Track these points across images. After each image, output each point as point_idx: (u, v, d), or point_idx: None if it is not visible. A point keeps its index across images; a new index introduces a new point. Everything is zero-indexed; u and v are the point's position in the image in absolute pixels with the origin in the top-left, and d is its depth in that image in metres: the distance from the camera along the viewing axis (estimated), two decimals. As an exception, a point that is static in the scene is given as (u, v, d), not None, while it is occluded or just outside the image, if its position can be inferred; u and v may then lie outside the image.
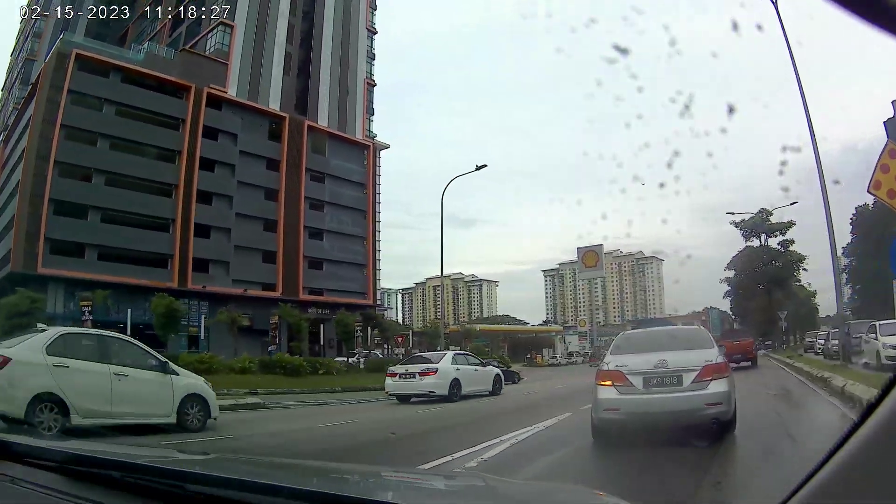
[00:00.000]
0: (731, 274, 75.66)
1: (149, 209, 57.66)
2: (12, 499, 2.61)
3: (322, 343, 62.21)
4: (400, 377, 23.57)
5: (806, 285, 73.56)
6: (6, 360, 11.32)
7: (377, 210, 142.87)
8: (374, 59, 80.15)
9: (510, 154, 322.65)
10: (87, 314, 31.49)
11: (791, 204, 61.47)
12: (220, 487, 2.30)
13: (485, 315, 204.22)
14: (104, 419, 11.96)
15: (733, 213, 64.53)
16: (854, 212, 73.46)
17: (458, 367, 24.07)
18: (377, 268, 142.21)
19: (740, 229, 68.12)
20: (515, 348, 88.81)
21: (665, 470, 7.17)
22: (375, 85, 79.78)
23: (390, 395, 23.83)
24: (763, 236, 68.55)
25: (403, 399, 23.14)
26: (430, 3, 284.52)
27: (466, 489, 3.05)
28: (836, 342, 32.73)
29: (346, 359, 44.16)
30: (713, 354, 9.78)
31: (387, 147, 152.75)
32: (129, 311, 34.31)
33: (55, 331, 12.86)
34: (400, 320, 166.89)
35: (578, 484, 4.08)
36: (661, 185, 19.41)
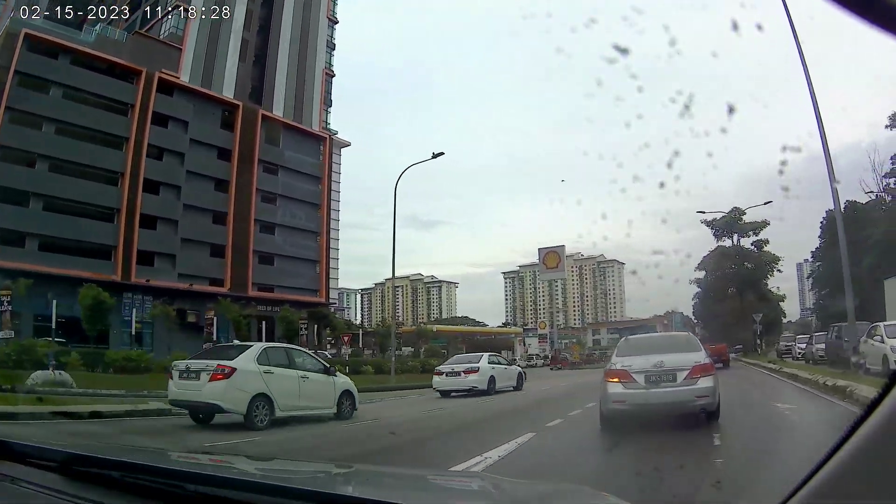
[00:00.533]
0: (701, 275, 74.40)
1: (94, 198, 54.83)
2: (12, 499, 2.61)
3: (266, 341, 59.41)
4: (447, 375, 27.14)
5: (774, 289, 72.54)
6: (233, 370, 14.60)
7: (333, 207, 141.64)
8: (333, 50, 77.84)
9: (475, 155, 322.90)
10: (4, 304, 28.86)
11: (765, 203, 60.60)
12: (220, 487, 2.33)
13: (444, 316, 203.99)
14: (294, 412, 15.93)
15: (704, 213, 62.45)
16: (825, 215, 71.75)
17: (493, 366, 27.95)
18: (335, 266, 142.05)
19: (712, 228, 66.83)
20: (474, 350, 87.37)
21: (666, 470, 7.46)
22: (334, 76, 77.53)
23: (436, 390, 27.11)
24: (735, 236, 67.21)
25: (445, 394, 26.54)
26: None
27: (467, 489, 3.18)
28: (823, 346, 32.01)
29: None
30: (701, 356, 12.02)
31: (347, 145, 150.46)
32: (54, 301, 31.65)
33: (260, 345, 17.05)
34: (358, 320, 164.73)
35: (582, 483, 4.28)
36: (662, 185, 19.32)
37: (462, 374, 26.49)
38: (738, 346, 68.20)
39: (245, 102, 65.92)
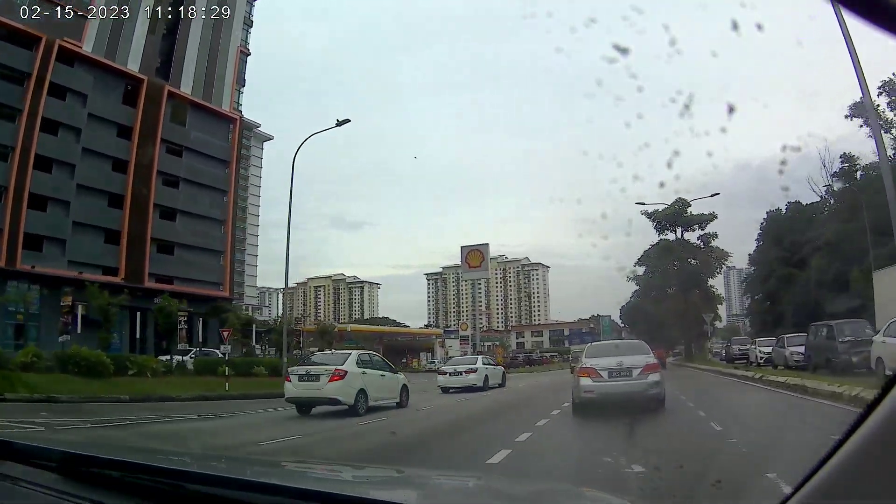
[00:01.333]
0: (641, 270, 70.04)
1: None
2: (12, 499, 2.63)
3: (141, 335, 54.23)
4: (450, 374, 32.44)
5: (713, 289, 68.11)
6: (345, 373, 19.67)
7: (252, 201, 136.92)
8: (251, 27, 73.24)
9: (404, 159, 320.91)
10: None
11: (711, 195, 57.56)
12: (221, 487, 2.34)
13: (366, 317, 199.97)
14: (378, 402, 20.80)
15: (644, 203, 56.58)
16: (765, 217, 69.34)
17: (486, 367, 33.81)
18: (252, 263, 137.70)
19: (653, 220, 62.52)
20: (393, 352, 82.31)
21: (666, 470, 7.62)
22: (249, 54, 72.73)
23: (440, 387, 31.82)
24: (679, 229, 63.41)
25: (445, 391, 31.25)
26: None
27: (467, 489, 3.20)
28: (800, 349, 29.26)
29: (170, 356, 37.18)
30: (651, 358, 16.51)
31: (270, 138, 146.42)
32: None
33: (356, 353, 22.01)
34: (279, 319, 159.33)
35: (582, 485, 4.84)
36: (662, 185, 18.10)
37: (463, 373, 32.16)
38: (676, 351, 65.79)
39: (151, 77, 60.67)
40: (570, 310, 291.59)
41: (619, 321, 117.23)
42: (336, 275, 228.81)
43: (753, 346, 39.63)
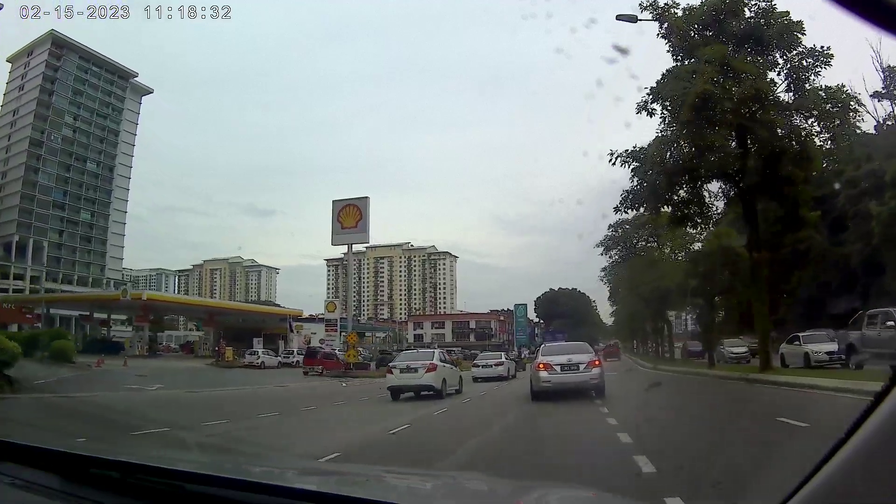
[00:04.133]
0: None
1: None
2: (12, 499, 2.63)
3: None
4: (482, 367, 40.80)
5: None
6: (436, 365, 25.31)
7: (108, 151, 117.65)
8: None
9: (319, 151, 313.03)
10: None
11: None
12: (220, 487, 2.36)
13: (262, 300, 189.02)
14: (450, 389, 25.93)
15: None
16: None
17: (507, 361, 42.90)
18: (117, 244, 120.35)
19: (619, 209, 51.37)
20: (237, 336, 63.88)
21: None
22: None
23: (475, 377, 39.06)
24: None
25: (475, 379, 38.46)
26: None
27: (466, 489, 3.19)
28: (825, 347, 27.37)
29: None
30: (593, 356, 21.46)
31: (149, 92, 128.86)
32: None
33: (438, 351, 29.90)
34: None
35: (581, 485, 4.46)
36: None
37: (493, 365, 40.37)
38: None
39: None
40: (482, 302, 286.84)
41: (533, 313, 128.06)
42: (233, 257, 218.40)
43: (802, 345, 29.60)
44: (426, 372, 25.07)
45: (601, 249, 59.21)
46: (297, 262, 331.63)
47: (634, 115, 25.56)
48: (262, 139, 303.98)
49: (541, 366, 20.48)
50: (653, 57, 27.07)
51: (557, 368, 19.95)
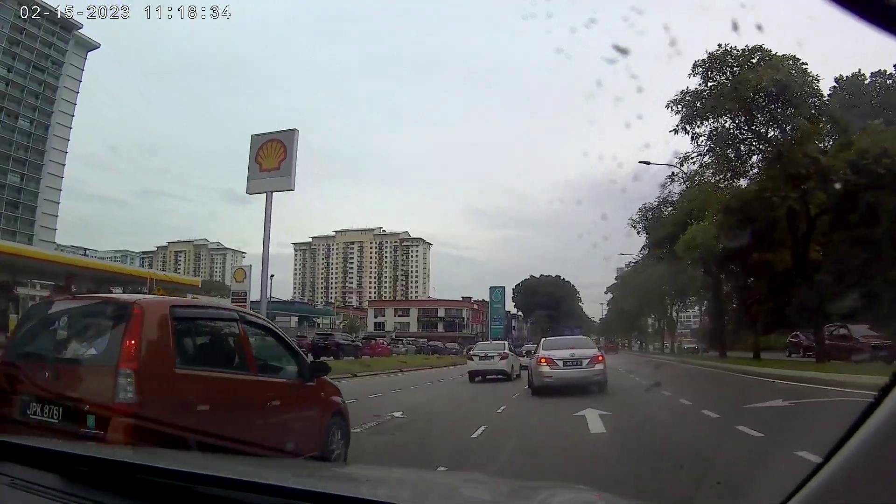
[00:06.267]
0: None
1: None
2: (12, 499, 2.62)
3: None
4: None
5: None
6: (508, 354, 30.96)
7: (44, 109, 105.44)
8: None
9: (303, 140, 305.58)
10: None
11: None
12: (221, 487, 2.37)
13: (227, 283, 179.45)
14: (514, 374, 30.10)
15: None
16: None
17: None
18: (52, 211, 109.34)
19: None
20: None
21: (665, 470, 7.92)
22: None
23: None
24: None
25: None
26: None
27: (466, 489, 3.16)
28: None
29: None
30: (596, 351, 21.24)
31: (96, 47, 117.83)
32: None
33: (506, 343, 36.86)
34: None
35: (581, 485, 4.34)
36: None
37: (496, 358, 33.06)
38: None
39: None
40: (455, 289, 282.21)
41: (511, 304, 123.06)
42: (199, 240, 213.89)
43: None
44: (500, 359, 30.11)
45: (630, 230, 54.29)
46: (275, 250, 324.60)
47: (635, 117, 24.16)
48: (245, 128, 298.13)
49: (542, 360, 20.55)
50: (653, 57, 22.08)
51: (560, 363, 19.97)
